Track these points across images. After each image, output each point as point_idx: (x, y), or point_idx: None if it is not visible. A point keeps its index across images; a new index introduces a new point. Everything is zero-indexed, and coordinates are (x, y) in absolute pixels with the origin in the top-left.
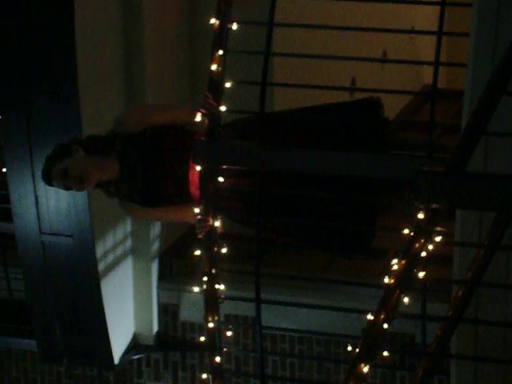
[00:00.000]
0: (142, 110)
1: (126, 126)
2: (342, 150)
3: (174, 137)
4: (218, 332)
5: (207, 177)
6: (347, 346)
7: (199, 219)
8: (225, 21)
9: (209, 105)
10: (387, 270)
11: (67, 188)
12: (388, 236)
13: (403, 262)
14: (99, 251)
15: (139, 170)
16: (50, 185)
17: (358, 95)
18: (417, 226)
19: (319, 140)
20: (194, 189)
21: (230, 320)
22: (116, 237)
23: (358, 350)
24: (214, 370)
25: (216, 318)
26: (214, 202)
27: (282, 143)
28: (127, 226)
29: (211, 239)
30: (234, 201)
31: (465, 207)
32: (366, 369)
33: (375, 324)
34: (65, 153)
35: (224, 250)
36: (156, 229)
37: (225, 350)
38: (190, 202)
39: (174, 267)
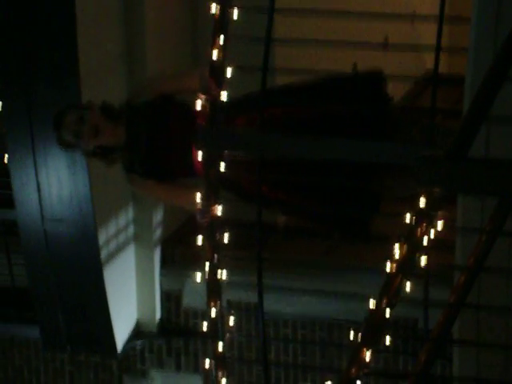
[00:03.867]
0: (150, 80)
1: (136, 96)
2: (344, 124)
3: (181, 109)
4: (220, 318)
5: (209, 162)
6: (350, 331)
7: (201, 205)
8: (225, 7)
9: (211, 90)
10: (389, 256)
11: (75, 136)
12: (390, 221)
13: (405, 247)
14: (101, 238)
15: (143, 140)
16: (58, 130)
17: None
18: (418, 211)
19: (320, 113)
20: (199, 164)
21: (232, 306)
22: (118, 224)
23: (360, 335)
24: (217, 356)
25: (218, 304)
26: (216, 188)
27: (282, 117)
28: (129, 212)
29: (213, 226)
30: (239, 171)
31: (466, 192)
32: (368, 354)
33: (378, 309)
34: (82, 105)
35: (226, 237)
36: (158, 215)
37: (227, 336)
38: (194, 176)
39: (177, 254)
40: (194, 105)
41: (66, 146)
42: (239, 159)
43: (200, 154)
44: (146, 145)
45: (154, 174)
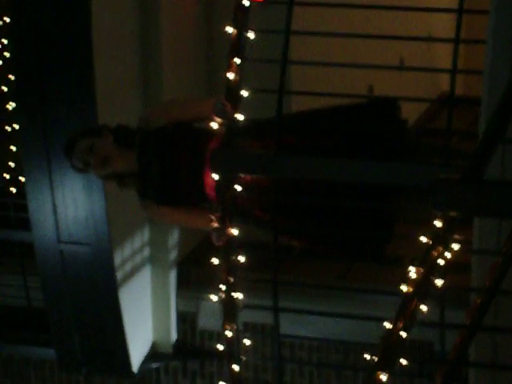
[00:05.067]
0: (164, 105)
1: (148, 121)
2: (360, 152)
3: (191, 137)
4: (236, 340)
5: (224, 185)
6: (365, 354)
7: (216, 227)
8: (241, 29)
9: (227, 113)
10: (405, 278)
11: (85, 165)
12: (405, 244)
13: (421, 269)
14: (117, 260)
15: (156, 166)
16: (69, 159)
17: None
18: (434, 233)
19: (336, 142)
20: (210, 190)
21: (248, 328)
22: (134, 245)
23: (376, 359)
24: (233, 378)
25: (234, 326)
26: (231, 210)
27: (298, 145)
28: (145, 234)
29: (229, 247)
30: (251, 200)
31: (482, 215)
32: (384, 377)
33: (393, 332)
34: (94, 133)
35: (242, 259)
36: (174, 237)
37: (243, 358)
38: (207, 202)
39: (192, 275)
40: (206, 130)
41: (78, 171)
42: (251, 184)
43: (214, 177)
44: (159, 172)
45: (168, 200)
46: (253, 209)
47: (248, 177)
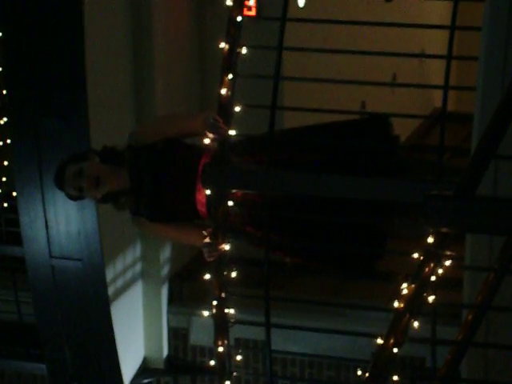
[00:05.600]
0: (153, 122)
1: (138, 138)
2: (352, 169)
3: (183, 154)
4: (227, 356)
5: (216, 201)
6: (357, 370)
7: (208, 243)
8: (234, 45)
9: (219, 129)
10: (397, 294)
11: (78, 190)
12: (397, 259)
13: (413, 286)
14: (109, 275)
15: (147, 183)
16: (61, 188)
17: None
18: (426, 249)
19: (327, 158)
20: (201, 206)
21: (239, 344)
22: (126, 261)
23: (367, 374)
24: None
25: (226, 341)
26: (223, 226)
27: (290, 161)
28: (137, 249)
29: (221, 263)
30: (242, 216)
31: (474, 231)
32: None
33: (385, 348)
34: (80, 157)
35: (233, 274)
36: (166, 252)
37: (235, 374)
38: (197, 218)
39: (184, 291)
40: (198, 147)
41: (74, 198)
42: (242, 200)
43: (205, 193)
44: (150, 188)
45: (159, 216)
46: (244, 225)
47: (239, 193)
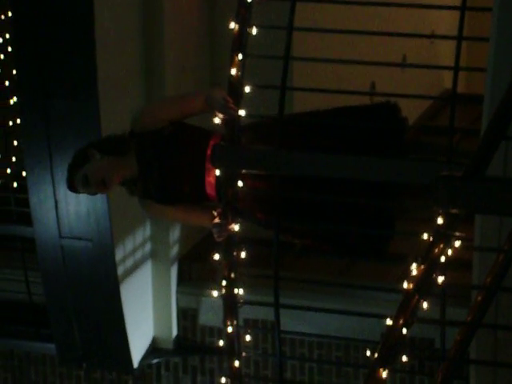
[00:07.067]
0: (154, 106)
1: (142, 124)
2: (361, 153)
3: (190, 137)
4: (236, 336)
5: (226, 181)
6: (366, 351)
7: (217, 223)
8: (244, 25)
9: (229, 109)
10: (406, 275)
11: (93, 194)
12: (407, 240)
13: (422, 266)
14: (118, 255)
15: (156, 168)
16: (78, 193)
17: (378, 99)
18: (436, 230)
19: (337, 143)
20: (210, 189)
21: (248, 324)
22: (135, 241)
23: (377, 355)
24: (233, 374)
25: (235, 322)
26: (233, 206)
27: (299, 146)
28: (146, 230)
29: (230, 243)
30: (252, 203)
31: (484, 212)
32: (385, 374)
33: (394, 329)
34: (82, 159)
35: (243, 255)
36: (175, 233)
37: (244, 354)
38: (206, 201)
39: (193, 271)
40: (204, 129)
41: (95, 194)
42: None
43: (215, 174)
44: (159, 174)
45: (169, 199)
46: (254, 212)
47: (248, 180)
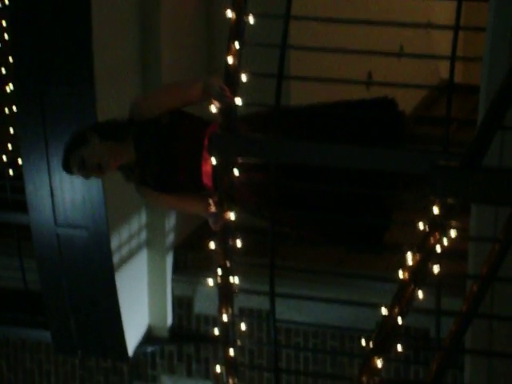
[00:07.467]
0: (152, 95)
1: (140, 112)
2: (358, 142)
3: (188, 126)
4: (231, 325)
5: (222, 170)
6: (361, 340)
7: (213, 212)
8: (241, 13)
9: (226, 98)
10: (402, 265)
11: (88, 177)
12: (403, 230)
13: (418, 256)
14: (114, 243)
15: (153, 156)
16: (72, 174)
17: (375, 89)
18: (432, 220)
19: (334, 135)
20: (206, 179)
21: (244, 313)
22: (131, 229)
23: (372, 344)
24: (228, 362)
25: (230, 310)
26: (228, 194)
27: (296, 138)
28: (142, 218)
29: (226, 232)
30: (248, 193)
31: (480, 202)
32: (379, 363)
33: (389, 318)
34: (80, 141)
35: (239, 243)
36: (171, 221)
37: (239, 343)
38: (203, 190)
39: (189, 260)
40: (202, 118)
41: (89, 178)
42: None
43: (212, 161)
44: (157, 161)
45: (165, 187)
46: (249, 204)
47: (244, 171)
